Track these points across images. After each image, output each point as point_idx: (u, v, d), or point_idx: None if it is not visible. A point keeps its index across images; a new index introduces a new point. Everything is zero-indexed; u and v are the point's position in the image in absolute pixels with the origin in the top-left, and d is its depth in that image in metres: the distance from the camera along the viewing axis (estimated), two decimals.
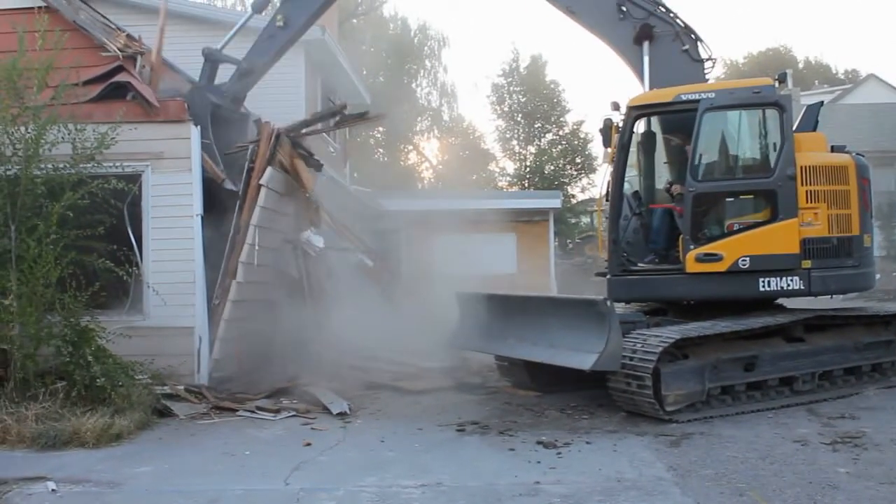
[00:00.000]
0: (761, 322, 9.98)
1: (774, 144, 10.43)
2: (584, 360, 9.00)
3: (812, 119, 11.08)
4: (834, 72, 60.16)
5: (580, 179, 41.75)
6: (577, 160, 41.41)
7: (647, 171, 11.74)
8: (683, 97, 10.57)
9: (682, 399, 9.19)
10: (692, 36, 11.44)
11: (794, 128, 10.53)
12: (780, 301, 10.91)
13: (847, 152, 10.87)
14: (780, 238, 10.16)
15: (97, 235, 10.11)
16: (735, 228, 10.30)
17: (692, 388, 9.27)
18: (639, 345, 9.16)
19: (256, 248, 12.00)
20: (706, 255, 10.16)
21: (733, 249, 10.14)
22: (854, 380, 10.61)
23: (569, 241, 33.07)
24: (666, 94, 10.81)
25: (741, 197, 10.61)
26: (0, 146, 9.82)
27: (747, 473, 7.13)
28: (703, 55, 11.41)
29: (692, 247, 10.23)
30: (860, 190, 10.56)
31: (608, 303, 9.19)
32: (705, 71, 11.46)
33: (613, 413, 9.57)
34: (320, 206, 13.82)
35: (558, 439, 8.46)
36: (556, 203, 25.84)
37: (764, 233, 10.22)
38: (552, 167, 40.67)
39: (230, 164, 12.53)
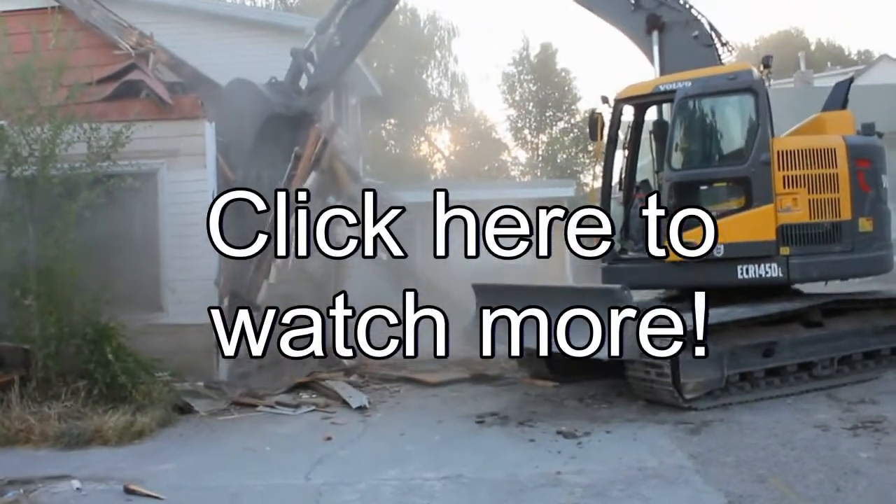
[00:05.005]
0: (778, 308, 9.90)
1: (749, 130, 10.34)
2: (603, 349, 9.00)
3: (840, 97, 10.95)
4: (847, 53, 59.60)
5: (593, 167, 41.47)
6: (590, 148, 41.14)
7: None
8: (662, 87, 10.64)
9: (701, 387, 9.16)
10: (703, 21, 11.38)
11: (823, 107, 10.51)
12: (797, 287, 10.82)
13: (879, 133, 10.73)
14: (756, 225, 10.01)
15: (115, 234, 10.16)
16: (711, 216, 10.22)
17: (711, 375, 9.22)
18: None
19: None
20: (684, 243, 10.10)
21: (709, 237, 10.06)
22: (873, 364, 10.51)
23: None
24: (646, 86, 10.91)
25: (716, 185, 10.50)
26: (17, 147, 9.85)
27: (768, 460, 7.12)
28: (716, 40, 11.34)
29: None
30: (853, 172, 10.26)
31: (625, 291, 9.17)
32: (720, 55, 11.38)
33: (632, 402, 9.58)
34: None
35: (578, 429, 8.48)
36: (569, 192, 25.65)
37: (739, 220, 10.06)
38: (564, 155, 40.43)
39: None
